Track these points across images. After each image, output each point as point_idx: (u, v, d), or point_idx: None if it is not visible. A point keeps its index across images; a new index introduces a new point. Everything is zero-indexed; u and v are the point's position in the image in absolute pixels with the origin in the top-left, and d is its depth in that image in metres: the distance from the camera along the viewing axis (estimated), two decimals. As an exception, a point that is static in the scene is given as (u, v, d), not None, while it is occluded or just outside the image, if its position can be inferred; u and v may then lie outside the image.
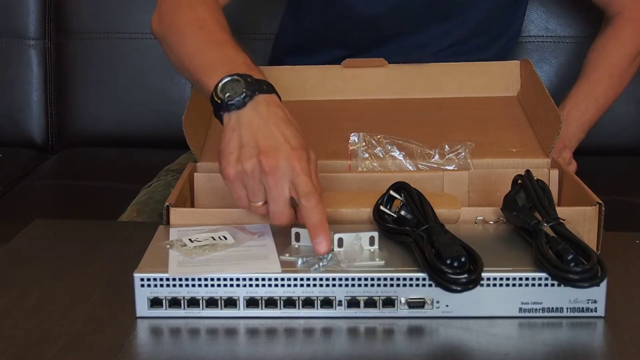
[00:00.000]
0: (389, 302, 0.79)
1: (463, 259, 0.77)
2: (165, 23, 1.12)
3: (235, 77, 0.92)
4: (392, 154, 1.09)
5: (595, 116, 1.40)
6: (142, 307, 0.80)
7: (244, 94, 0.90)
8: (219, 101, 0.91)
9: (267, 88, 0.92)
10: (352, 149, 1.10)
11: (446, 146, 1.08)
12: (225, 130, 0.90)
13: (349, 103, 1.26)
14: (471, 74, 1.28)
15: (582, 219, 0.90)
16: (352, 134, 1.10)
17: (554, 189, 1.03)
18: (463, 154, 1.07)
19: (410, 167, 1.08)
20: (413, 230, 0.82)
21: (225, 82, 0.92)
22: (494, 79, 1.28)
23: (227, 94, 0.90)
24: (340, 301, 0.79)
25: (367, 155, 1.09)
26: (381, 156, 1.09)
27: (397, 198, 0.88)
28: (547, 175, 1.04)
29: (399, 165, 1.08)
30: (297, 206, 0.85)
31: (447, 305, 0.79)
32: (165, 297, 0.80)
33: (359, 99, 1.27)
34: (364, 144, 1.09)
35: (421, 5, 1.37)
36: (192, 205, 1.04)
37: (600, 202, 0.90)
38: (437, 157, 1.08)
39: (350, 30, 1.40)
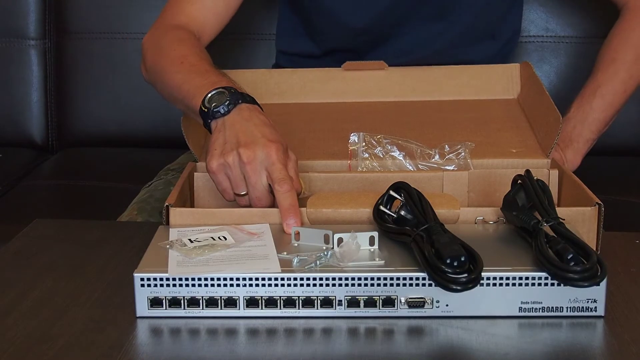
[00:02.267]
0: (389, 302, 0.79)
1: (463, 259, 0.77)
2: (151, 68, 1.23)
3: (220, 89, 1.03)
4: (392, 154, 1.09)
5: (604, 114, 1.33)
6: (142, 307, 0.80)
7: (228, 102, 1.01)
8: (206, 110, 1.02)
9: (249, 99, 1.03)
10: (352, 149, 1.10)
11: (446, 146, 1.08)
12: (213, 133, 1.01)
13: (349, 105, 1.26)
14: (471, 77, 1.28)
15: (581, 219, 0.90)
16: (352, 133, 1.10)
17: (553, 189, 1.03)
18: (463, 154, 1.07)
19: (410, 167, 1.08)
20: (413, 230, 0.82)
21: (211, 95, 1.03)
22: (494, 82, 1.28)
23: (214, 104, 1.02)
24: (340, 301, 0.79)
25: (367, 155, 1.09)
26: (381, 156, 1.09)
27: (397, 198, 0.88)
28: (547, 175, 1.04)
29: (399, 165, 1.08)
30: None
31: (447, 305, 0.79)
32: (165, 297, 0.80)
33: (359, 102, 1.27)
34: (363, 144, 1.09)
35: (405, 7, 1.35)
36: (192, 205, 1.04)
37: (600, 202, 0.90)
38: (437, 157, 1.08)
39: (344, 38, 1.40)
